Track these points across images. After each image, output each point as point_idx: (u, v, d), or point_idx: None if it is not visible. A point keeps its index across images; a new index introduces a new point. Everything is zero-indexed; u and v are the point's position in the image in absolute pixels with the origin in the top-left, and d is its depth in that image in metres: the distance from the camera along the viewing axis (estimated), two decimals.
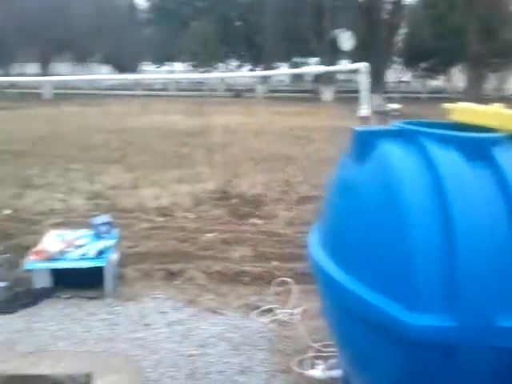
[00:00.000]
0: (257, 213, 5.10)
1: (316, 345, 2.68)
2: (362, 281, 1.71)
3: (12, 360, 2.56)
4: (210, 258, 3.90)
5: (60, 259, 3.25)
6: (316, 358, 2.58)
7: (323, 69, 7.84)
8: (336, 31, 17.50)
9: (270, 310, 3.11)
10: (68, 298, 3.20)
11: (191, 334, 2.87)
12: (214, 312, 3.12)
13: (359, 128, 1.94)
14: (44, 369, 2.49)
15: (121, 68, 30.66)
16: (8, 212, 5.02)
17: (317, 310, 2.81)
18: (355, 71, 4.84)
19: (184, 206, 5.28)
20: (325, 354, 2.58)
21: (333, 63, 17.22)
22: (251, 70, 30.55)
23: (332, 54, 22.30)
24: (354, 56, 15.65)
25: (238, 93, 27.00)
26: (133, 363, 2.58)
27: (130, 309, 3.12)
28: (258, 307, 3.16)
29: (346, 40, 15.01)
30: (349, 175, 1.96)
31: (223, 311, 3.13)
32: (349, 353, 2.02)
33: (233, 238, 4.33)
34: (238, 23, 33.95)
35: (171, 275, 3.59)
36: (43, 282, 3.23)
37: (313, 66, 13.99)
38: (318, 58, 24.64)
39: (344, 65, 11.52)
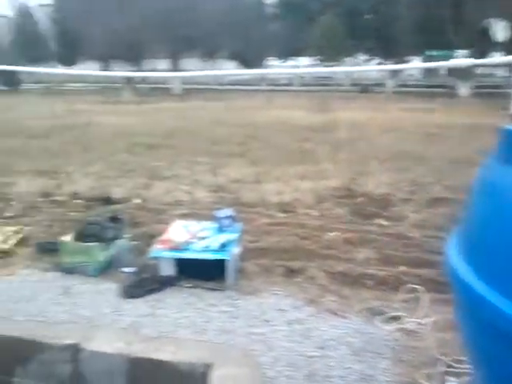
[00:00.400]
0: (383, 213, 4.93)
1: (446, 359, 2.51)
2: (508, 294, 1.55)
3: (137, 343, 2.73)
4: (333, 257, 3.84)
5: (185, 249, 3.40)
6: (447, 373, 2.42)
7: (472, 62, 7.34)
8: (487, 21, 16.34)
9: (395, 318, 2.98)
10: (190, 287, 3.34)
11: (310, 334, 2.84)
12: (335, 314, 3.06)
13: (510, 126, 1.76)
14: (166, 355, 2.62)
15: (246, 63, 31.60)
16: (138, 201, 5.39)
17: (449, 321, 2.64)
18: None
19: (306, 203, 5.27)
20: (457, 370, 2.41)
21: (483, 56, 16.10)
22: (380, 64, 29.75)
23: (481, 45, 20.90)
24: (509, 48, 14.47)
25: (365, 87, 26.48)
26: (251, 358, 2.62)
27: (250, 303, 3.17)
28: (382, 313, 3.04)
29: (500, 30, 13.93)
30: (495, 178, 1.79)
31: (345, 314, 3.06)
32: (487, 372, 1.85)
33: (357, 239, 4.22)
34: (367, 16, 33.27)
35: (291, 272, 3.59)
36: (168, 270, 3.40)
37: (459, 59, 13.19)
38: (465, 51, 23.24)
39: (497, 57, 10.72)
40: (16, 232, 4.21)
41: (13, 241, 4.05)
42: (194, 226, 3.76)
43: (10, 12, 41.61)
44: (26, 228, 4.37)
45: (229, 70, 33.20)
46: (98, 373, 2.68)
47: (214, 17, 29.02)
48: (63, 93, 23.56)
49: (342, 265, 3.68)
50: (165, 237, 3.56)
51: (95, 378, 2.69)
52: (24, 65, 24.59)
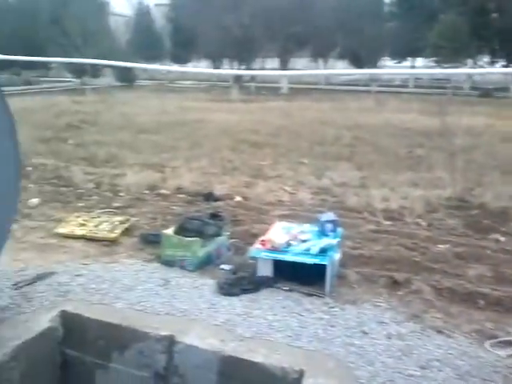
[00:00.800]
0: (501, 228, 4.60)
1: None
2: None
3: (230, 341, 2.77)
4: (441, 272, 3.65)
5: (284, 251, 3.40)
6: None
7: None
8: None
9: (510, 343, 2.76)
10: (287, 290, 3.33)
11: (412, 351, 2.71)
12: (440, 332, 2.90)
13: None
14: (258, 356, 2.63)
15: (358, 63, 31.08)
16: (239, 199, 5.50)
17: None
18: None
19: (415, 212, 5.05)
20: None
21: None
22: (505, 67, 27.90)
23: None
24: None
25: (486, 92, 24.97)
26: (346, 370, 2.55)
27: (348, 312, 3.10)
28: (494, 336, 2.83)
29: None
30: None
31: (451, 333, 2.89)
32: None
33: (469, 254, 3.98)
34: (494, 15, 31.32)
35: (395, 284, 3.46)
36: (266, 270, 3.42)
37: None
38: None
39: None
40: (122, 222, 4.46)
41: (119, 230, 4.29)
42: (295, 228, 3.75)
43: (128, 11, 44.46)
44: (132, 219, 4.62)
45: (339, 69, 32.89)
46: (190, 367, 2.75)
47: (327, 14, 28.89)
48: (174, 90, 24.71)
49: (451, 280, 3.48)
50: (265, 237, 3.59)
51: (188, 371, 2.76)
52: (139, 62, 26.17)
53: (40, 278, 3.51)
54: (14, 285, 3.39)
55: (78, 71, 26.83)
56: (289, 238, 3.53)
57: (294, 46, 31.70)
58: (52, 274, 3.56)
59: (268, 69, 31.56)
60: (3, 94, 2.58)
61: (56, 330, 3.02)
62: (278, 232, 3.65)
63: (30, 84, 24.29)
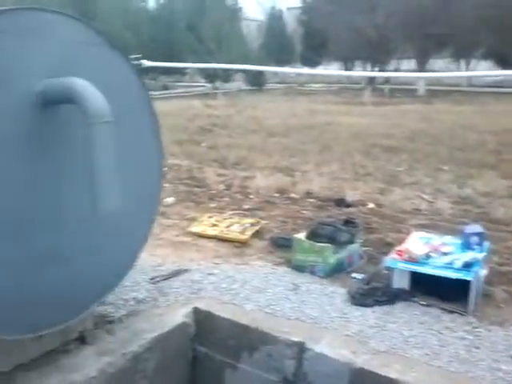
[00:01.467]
0: None
1: None
2: None
3: (362, 354, 2.71)
4: None
5: (423, 263, 3.26)
6: None
7: None
8: None
9: None
10: (425, 305, 3.18)
11: None
12: None
13: None
14: (393, 372, 2.54)
15: (504, 63, 29.02)
16: (372, 206, 5.38)
17: None
18: None
19: None
20: None
21: None
22: None
23: None
24: None
25: None
26: None
27: (495, 334, 2.89)
28: None
29: None
30: None
31: None
32: None
33: None
34: None
35: None
36: (402, 282, 3.30)
37: None
38: None
39: None
40: (253, 224, 4.58)
41: (249, 232, 4.41)
42: (435, 239, 3.58)
43: (260, 16, 45.76)
44: (262, 221, 4.71)
45: (483, 70, 30.98)
46: (320, 375, 2.74)
47: (469, 12, 27.35)
48: (304, 93, 24.91)
49: None
50: (402, 247, 3.47)
51: (317, 379, 2.75)
52: (270, 66, 26.76)
53: (175, 274, 3.71)
54: (151, 279, 3.62)
55: (211, 76, 28.09)
56: (428, 249, 3.38)
57: (433, 47, 30.43)
58: (186, 271, 3.75)
59: (403, 70, 30.60)
60: (151, 98, 2.77)
61: (189, 326, 3.17)
62: (416, 242, 3.51)
63: (167, 89, 25.90)
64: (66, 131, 2.30)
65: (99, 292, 2.70)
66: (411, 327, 2.96)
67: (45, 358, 2.67)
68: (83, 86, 2.08)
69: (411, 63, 32.08)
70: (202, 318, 3.21)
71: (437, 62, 32.00)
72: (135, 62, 8.34)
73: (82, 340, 2.85)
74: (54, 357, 2.70)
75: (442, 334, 2.90)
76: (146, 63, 15.78)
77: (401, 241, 3.79)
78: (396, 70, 29.81)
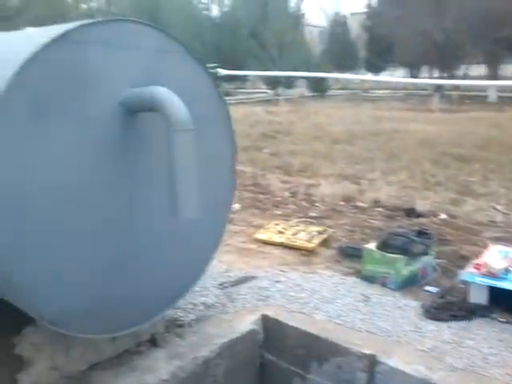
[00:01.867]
0: None
1: None
2: None
3: (439, 370, 2.64)
4: None
5: (503, 278, 3.15)
6: None
7: None
8: None
9: None
10: (505, 322, 3.07)
11: None
12: None
13: None
14: None
15: None
16: (444, 217, 5.24)
17: None
18: None
19: None
20: None
21: None
22: None
23: None
24: None
25: None
26: None
27: None
28: None
29: None
30: None
31: None
32: None
33: None
34: None
35: None
36: (479, 297, 3.20)
37: None
38: None
39: None
40: (320, 232, 4.56)
41: (317, 241, 4.39)
42: None
43: (323, 22, 45.65)
44: (329, 230, 4.69)
45: None
46: None
47: None
48: (368, 99, 24.62)
49: None
50: (479, 261, 3.36)
51: None
52: (333, 72, 26.62)
53: (242, 280, 3.75)
54: (219, 285, 3.67)
55: (273, 82, 28.27)
56: (507, 263, 3.26)
57: (504, 51, 29.37)
58: (253, 277, 3.78)
59: (473, 76, 29.66)
60: (227, 106, 2.83)
61: (257, 333, 3.19)
62: (495, 256, 3.39)
63: (228, 95, 26.26)
64: (147, 138, 2.38)
65: (173, 295, 2.76)
66: (490, 345, 2.86)
67: (118, 359, 2.76)
68: (166, 95, 2.15)
69: (481, 68, 31.10)
70: (270, 326, 3.22)
71: (509, 68, 30.87)
72: (212, 71, 8.53)
73: (153, 342, 2.93)
74: (128, 357, 2.78)
75: None
76: (222, 72, 16.22)
77: (476, 254, 3.68)
78: (465, 76, 28.94)
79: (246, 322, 3.19)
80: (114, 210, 2.27)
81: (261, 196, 6.27)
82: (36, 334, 2.45)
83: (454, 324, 3.08)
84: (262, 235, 4.61)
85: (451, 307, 3.18)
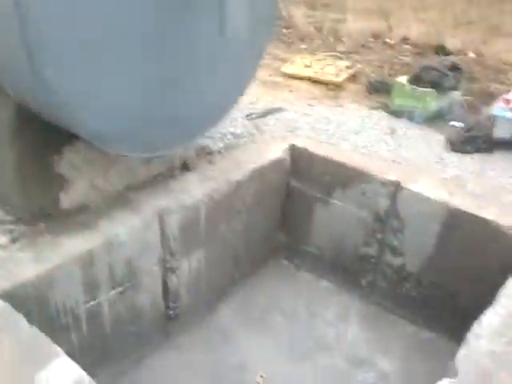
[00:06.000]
0: None
1: None
2: None
3: (459, 196, 2.78)
4: None
5: None
6: None
7: None
8: None
9: None
10: None
11: None
12: None
13: None
14: (490, 214, 2.62)
15: None
16: (474, 55, 5.12)
17: None
18: None
19: None
20: None
21: None
22: None
23: None
24: None
25: None
26: None
27: None
28: None
29: None
30: None
31: None
32: None
33: None
34: None
35: None
36: (503, 131, 3.26)
37: None
38: None
39: None
40: (348, 67, 4.51)
41: (344, 75, 4.36)
42: None
43: None
44: (357, 65, 4.63)
45: None
46: (413, 213, 2.86)
47: None
48: None
49: None
50: (508, 96, 3.36)
51: (409, 217, 2.88)
52: None
53: (270, 112, 3.80)
54: (247, 116, 3.73)
55: None
56: None
57: None
58: (281, 110, 3.83)
59: None
60: None
61: (285, 161, 3.31)
62: None
63: None
64: None
65: (209, 120, 2.79)
66: (510, 175, 2.98)
67: (154, 182, 2.90)
68: None
69: None
70: (297, 155, 3.33)
71: None
72: None
73: (185, 167, 3.06)
74: (162, 181, 2.92)
75: None
76: None
77: (503, 92, 3.66)
78: None
79: (275, 150, 3.29)
80: (158, 30, 2.22)
81: (284, 30, 6.09)
82: (75, 154, 2.55)
83: (477, 156, 3.19)
84: (288, 69, 4.57)
85: (475, 140, 3.26)
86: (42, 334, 1.74)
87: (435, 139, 3.39)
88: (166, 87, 2.35)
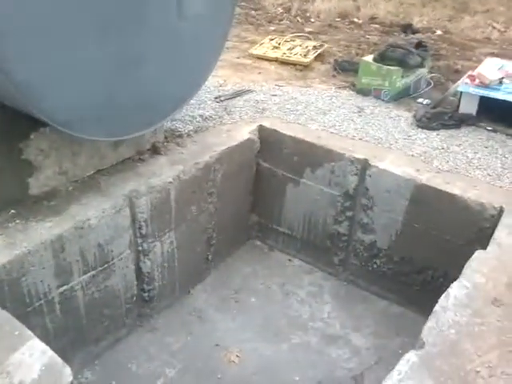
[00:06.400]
0: None
1: None
2: None
3: (426, 172, 2.86)
4: None
5: (495, 89, 3.26)
6: None
7: None
8: None
9: None
10: (491, 130, 3.25)
11: None
12: None
13: None
14: (456, 189, 2.70)
15: None
16: (440, 33, 5.20)
17: None
18: None
19: None
20: None
21: None
22: None
23: None
24: None
25: None
26: None
27: None
28: None
29: None
30: None
31: None
32: None
33: None
34: None
35: None
36: (469, 107, 3.34)
37: None
38: None
39: None
40: (315, 47, 4.55)
41: (312, 56, 4.40)
42: (509, 65, 3.52)
43: None
44: (325, 45, 4.66)
45: None
46: (381, 190, 2.93)
47: None
48: None
49: None
50: (474, 72, 3.44)
51: (378, 194, 2.95)
52: None
53: (238, 94, 3.82)
54: (215, 98, 3.75)
55: None
56: (502, 75, 3.35)
57: None
58: (249, 91, 3.85)
59: None
60: None
61: (254, 142, 3.35)
62: (489, 68, 3.46)
63: None
64: None
65: (174, 105, 2.81)
66: (475, 150, 3.07)
67: (123, 166, 2.90)
68: None
69: None
70: (266, 136, 3.36)
71: None
72: None
73: (154, 151, 3.07)
74: (132, 165, 2.93)
75: (506, 158, 3.00)
76: None
77: (469, 69, 3.74)
78: None
79: (244, 132, 3.32)
80: (120, 8, 2.21)
81: (253, 12, 6.09)
82: (42, 139, 2.54)
83: (443, 132, 3.26)
84: (256, 50, 4.59)
85: (442, 117, 3.33)
86: (14, 319, 1.75)
87: (402, 117, 3.45)
88: (127, 71, 2.35)
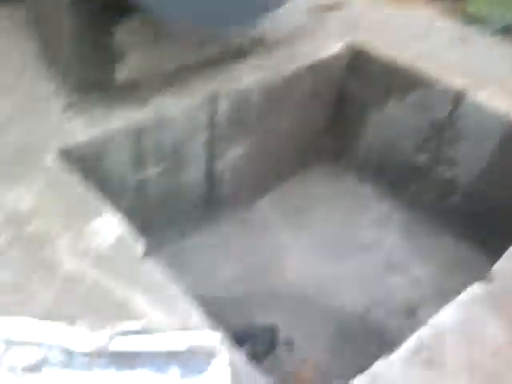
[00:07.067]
0: None
1: None
2: None
3: None
4: None
5: None
6: None
7: None
8: None
9: None
10: None
11: None
12: None
13: None
14: None
15: None
16: None
17: None
18: None
19: None
20: None
21: None
22: None
23: None
24: None
25: None
26: None
27: None
28: None
29: None
30: None
31: None
32: None
33: None
34: None
35: None
36: None
37: None
38: None
39: None
40: None
41: None
42: None
43: None
44: None
45: None
46: (472, 125, 2.80)
47: None
48: None
49: None
50: None
51: (468, 128, 2.83)
52: None
53: (334, 7, 3.66)
54: (309, 8, 3.60)
55: None
56: None
57: None
58: (346, 5, 3.67)
59: None
60: None
61: (343, 59, 3.23)
62: None
63: None
64: None
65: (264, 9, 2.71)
66: None
67: (207, 66, 2.88)
68: None
69: None
70: (356, 54, 3.24)
71: None
72: None
73: (239, 54, 3.03)
74: (216, 66, 2.89)
75: None
76: None
77: None
78: None
79: (333, 46, 3.20)
80: None
81: None
82: (130, 31, 2.55)
83: None
84: None
85: None
86: (94, 191, 1.84)
87: (510, 51, 3.24)
88: None
